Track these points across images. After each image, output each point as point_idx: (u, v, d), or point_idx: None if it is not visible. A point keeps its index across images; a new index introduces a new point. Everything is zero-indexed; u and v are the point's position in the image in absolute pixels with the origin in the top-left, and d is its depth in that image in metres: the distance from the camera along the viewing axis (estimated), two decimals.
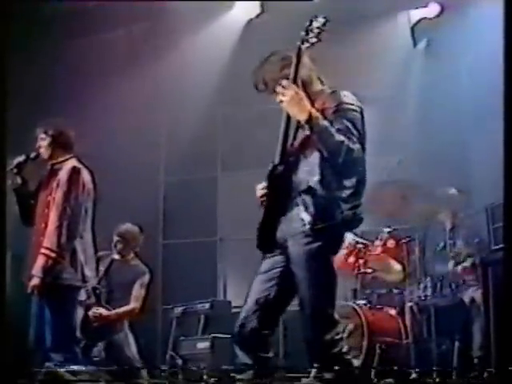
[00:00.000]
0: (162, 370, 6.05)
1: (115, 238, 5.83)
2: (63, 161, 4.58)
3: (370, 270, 5.97)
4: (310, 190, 3.24)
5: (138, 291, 5.74)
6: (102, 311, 5.49)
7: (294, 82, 3.26)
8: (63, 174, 4.45)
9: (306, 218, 3.23)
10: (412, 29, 7.76)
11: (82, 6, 7.56)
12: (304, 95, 3.23)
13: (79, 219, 4.43)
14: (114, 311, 5.57)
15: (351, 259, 5.91)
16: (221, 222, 8.37)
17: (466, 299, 5.33)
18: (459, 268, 5.42)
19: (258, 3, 7.77)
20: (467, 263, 5.41)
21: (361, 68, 7.42)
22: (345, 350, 3.25)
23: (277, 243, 3.34)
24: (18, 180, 4.54)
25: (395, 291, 5.94)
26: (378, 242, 5.91)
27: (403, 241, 5.73)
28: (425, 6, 7.62)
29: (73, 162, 4.56)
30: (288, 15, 7.14)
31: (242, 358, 3.27)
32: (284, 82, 3.25)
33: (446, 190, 5.83)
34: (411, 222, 5.96)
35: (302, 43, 3.26)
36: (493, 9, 5.89)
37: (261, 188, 3.45)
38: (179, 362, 6.18)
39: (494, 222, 4.79)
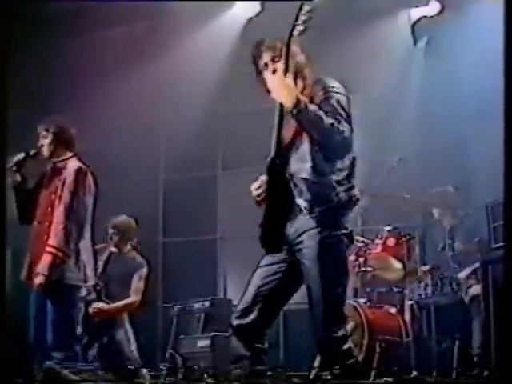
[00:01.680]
0: (161, 368, 6.07)
1: (110, 231, 5.78)
2: (65, 159, 4.58)
3: (370, 269, 5.96)
4: (303, 178, 3.24)
5: (136, 284, 5.73)
6: (102, 305, 5.47)
7: (286, 69, 3.23)
8: (69, 174, 4.46)
9: (302, 203, 3.24)
10: (412, 27, 7.75)
11: (83, 5, 7.55)
12: (292, 80, 3.21)
13: (85, 220, 4.45)
14: (114, 304, 5.55)
15: (351, 257, 5.90)
16: (221, 220, 8.37)
17: (466, 298, 5.33)
18: (461, 274, 5.42)
19: (257, 2, 7.76)
20: (469, 269, 5.42)
21: (361, 66, 7.41)
22: (352, 346, 3.27)
23: (286, 241, 3.30)
24: (18, 177, 4.54)
25: (395, 289, 5.94)
26: (378, 241, 5.92)
27: (403, 239, 5.73)
28: (425, 5, 7.61)
29: (75, 162, 4.56)
30: (288, 14, 7.12)
31: (239, 349, 3.26)
32: (273, 66, 3.28)
33: (443, 188, 5.83)
34: (411, 220, 5.95)
35: (293, 30, 3.29)
36: (493, 7, 5.88)
37: (257, 187, 3.41)
38: (179, 360, 6.17)
39: (494, 220, 4.78)
